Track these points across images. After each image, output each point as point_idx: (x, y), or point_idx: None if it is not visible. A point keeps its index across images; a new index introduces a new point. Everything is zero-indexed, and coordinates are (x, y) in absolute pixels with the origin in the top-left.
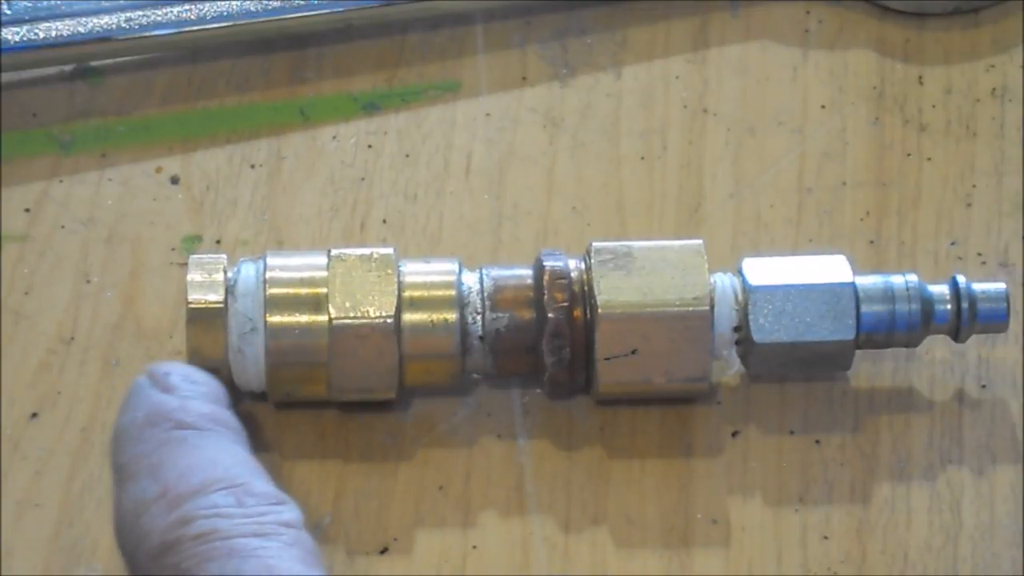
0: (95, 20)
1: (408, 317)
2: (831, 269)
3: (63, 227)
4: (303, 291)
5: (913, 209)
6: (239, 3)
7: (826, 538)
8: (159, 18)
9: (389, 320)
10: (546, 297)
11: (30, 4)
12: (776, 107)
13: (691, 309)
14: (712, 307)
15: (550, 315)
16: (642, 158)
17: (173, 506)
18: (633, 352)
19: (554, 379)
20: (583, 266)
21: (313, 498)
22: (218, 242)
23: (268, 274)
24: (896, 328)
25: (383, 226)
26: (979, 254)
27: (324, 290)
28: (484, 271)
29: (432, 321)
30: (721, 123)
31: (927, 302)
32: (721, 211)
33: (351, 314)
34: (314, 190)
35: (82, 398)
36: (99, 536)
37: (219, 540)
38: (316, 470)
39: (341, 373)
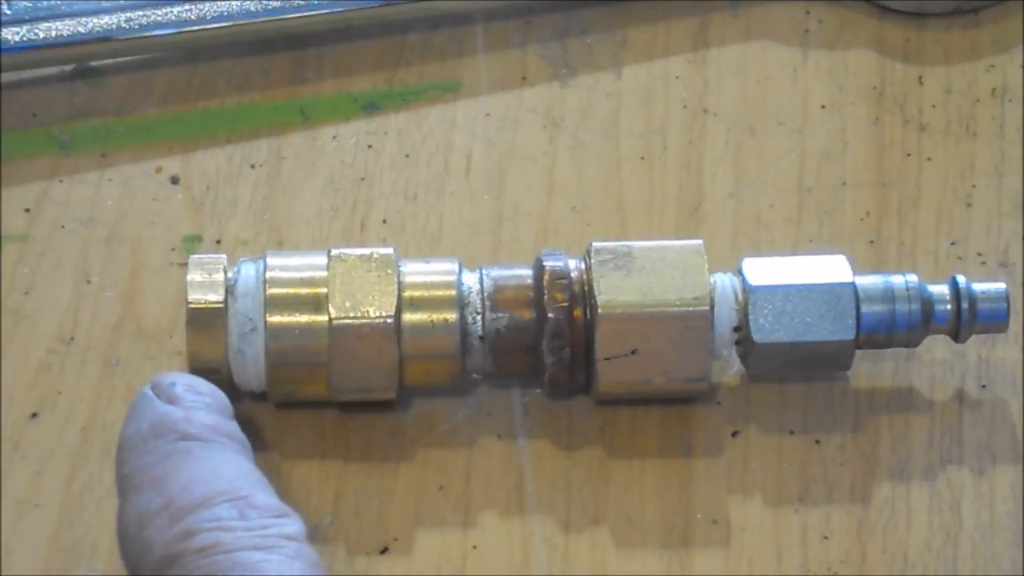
0: (95, 20)
1: (408, 317)
2: (831, 269)
3: (63, 227)
4: (303, 291)
5: (913, 209)
6: (239, 3)
7: (826, 538)
8: (159, 18)
9: (389, 320)
10: (546, 297)
11: (30, 4)
12: (776, 107)
13: (691, 309)
14: (712, 307)
15: (550, 315)
16: (642, 158)
17: (176, 519)
18: (633, 352)
19: (554, 379)
20: (583, 266)
21: (313, 498)
22: (218, 242)
23: (268, 274)
24: (896, 328)
25: (383, 226)
26: (979, 254)
27: (324, 290)
28: (484, 271)
29: (432, 321)
30: (721, 123)
31: (927, 302)
32: (721, 211)
33: (351, 314)
34: (314, 190)
35: (82, 398)
36: (99, 536)
37: (221, 553)
38: (316, 470)
39: (341, 373)
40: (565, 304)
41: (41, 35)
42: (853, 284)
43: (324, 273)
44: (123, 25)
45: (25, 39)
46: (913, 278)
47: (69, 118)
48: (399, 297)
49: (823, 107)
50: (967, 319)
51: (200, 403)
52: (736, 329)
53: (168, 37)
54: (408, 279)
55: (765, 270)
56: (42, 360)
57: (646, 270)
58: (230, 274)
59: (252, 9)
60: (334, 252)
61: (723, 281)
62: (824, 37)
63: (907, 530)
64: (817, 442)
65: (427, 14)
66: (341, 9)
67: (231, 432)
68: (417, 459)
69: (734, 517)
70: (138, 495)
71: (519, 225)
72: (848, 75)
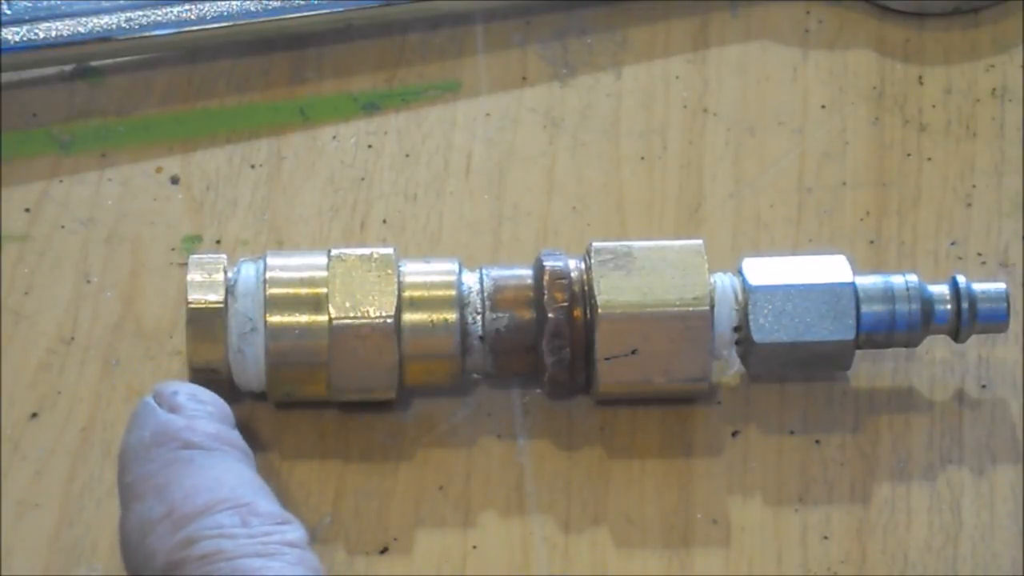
0: (95, 20)
1: (408, 317)
2: (831, 269)
3: (63, 227)
4: (303, 291)
5: (913, 209)
6: (239, 3)
7: (826, 538)
8: (159, 18)
9: (389, 320)
10: (546, 297)
11: (30, 4)
12: (776, 107)
13: (691, 309)
14: (712, 307)
15: (550, 315)
16: (642, 158)
17: (178, 526)
18: (633, 352)
19: (554, 379)
20: (583, 266)
21: (313, 498)
22: (218, 242)
23: (268, 274)
24: (896, 328)
25: (383, 226)
26: (979, 254)
27: (324, 290)
28: (484, 271)
29: (432, 321)
30: (721, 123)
31: (927, 302)
32: (721, 211)
33: (351, 314)
34: (314, 190)
35: (82, 398)
36: (99, 536)
37: (223, 561)
38: (316, 470)
39: (341, 373)
40: (565, 304)
41: (41, 35)
42: (853, 284)
43: (324, 273)
44: (123, 25)
45: (25, 39)
46: (913, 278)
47: (69, 118)
48: (399, 297)
49: (823, 107)
50: (967, 319)
51: (202, 412)
52: (736, 329)
53: (168, 37)
54: (408, 279)
55: (765, 270)
56: (42, 360)
57: (646, 270)
58: (230, 274)
59: (252, 9)
60: (334, 252)
61: (723, 281)
62: (824, 37)
63: (907, 530)
64: (817, 442)
65: (427, 14)
66: (341, 9)
67: (233, 440)
68: (417, 459)
69: (734, 517)
70: (140, 503)
71: (519, 225)
72: (848, 75)
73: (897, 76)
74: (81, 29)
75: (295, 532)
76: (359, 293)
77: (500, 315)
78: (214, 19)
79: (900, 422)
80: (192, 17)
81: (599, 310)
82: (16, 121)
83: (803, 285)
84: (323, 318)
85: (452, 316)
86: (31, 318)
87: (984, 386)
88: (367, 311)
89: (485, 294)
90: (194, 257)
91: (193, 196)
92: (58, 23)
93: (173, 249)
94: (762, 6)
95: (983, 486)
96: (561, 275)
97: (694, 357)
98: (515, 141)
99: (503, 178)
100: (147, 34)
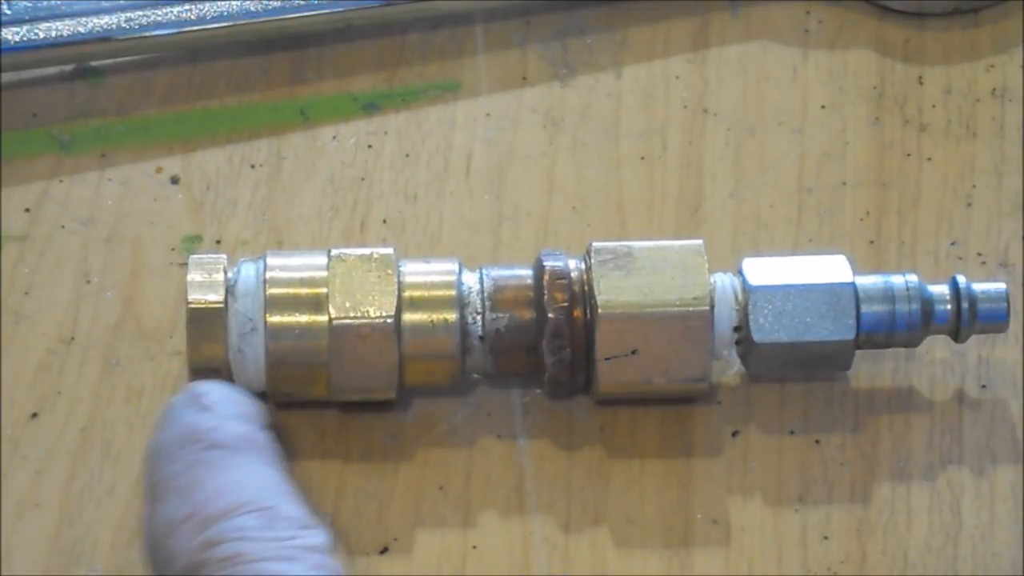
0: (95, 20)
1: (408, 317)
2: (831, 269)
3: (63, 227)
4: (303, 291)
5: (913, 209)
6: (239, 3)
7: (826, 538)
8: (159, 18)
9: (389, 320)
10: (546, 297)
11: (30, 4)
12: (776, 107)
13: (691, 309)
14: (712, 307)
15: (550, 315)
16: (642, 158)
17: (201, 528)
18: (633, 352)
19: (554, 379)
20: (583, 266)
21: (313, 498)
22: (218, 242)
23: (268, 274)
24: (896, 328)
25: (383, 226)
26: (979, 254)
27: (324, 290)
28: (484, 271)
29: (432, 321)
30: (721, 123)
31: (927, 302)
32: (721, 211)
33: (351, 314)
34: (314, 190)
35: (82, 398)
36: (99, 536)
37: (244, 563)
38: (316, 470)
39: (341, 373)
40: (565, 304)
41: (41, 35)
42: (853, 284)
43: (324, 273)
44: (123, 25)
45: (25, 39)
46: (913, 278)
47: (69, 118)
48: (399, 297)
49: (823, 107)
50: (967, 319)
51: (232, 412)
52: (736, 329)
53: (168, 37)
54: (408, 279)
55: (765, 270)
56: (42, 360)
57: (646, 270)
58: (230, 274)
59: (252, 9)
60: (334, 252)
61: (723, 281)
62: (824, 37)
63: (907, 530)
64: (817, 442)
65: (427, 14)
66: (341, 9)
67: (263, 442)
68: (417, 459)
69: (734, 517)
70: (165, 503)
71: (519, 225)
72: (848, 75)
73: (897, 76)
74: (81, 29)
75: (318, 537)
76: (359, 293)
77: (500, 315)
78: (214, 19)
79: (900, 422)
80: (192, 17)
81: (599, 310)
82: (16, 121)
83: (803, 285)
84: (323, 318)
85: (452, 316)
86: (31, 318)
87: (984, 386)
88: (367, 311)
89: (485, 294)
90: (194, 257)
91: (193, 196)
92: (58, 23)
93: (173, 249)
94: (762, 6)
95: (983, 486)
96: (561, 275)
97: (694, 357)
98: (515, 141)
99: (503, 178)
100: (147, 34)
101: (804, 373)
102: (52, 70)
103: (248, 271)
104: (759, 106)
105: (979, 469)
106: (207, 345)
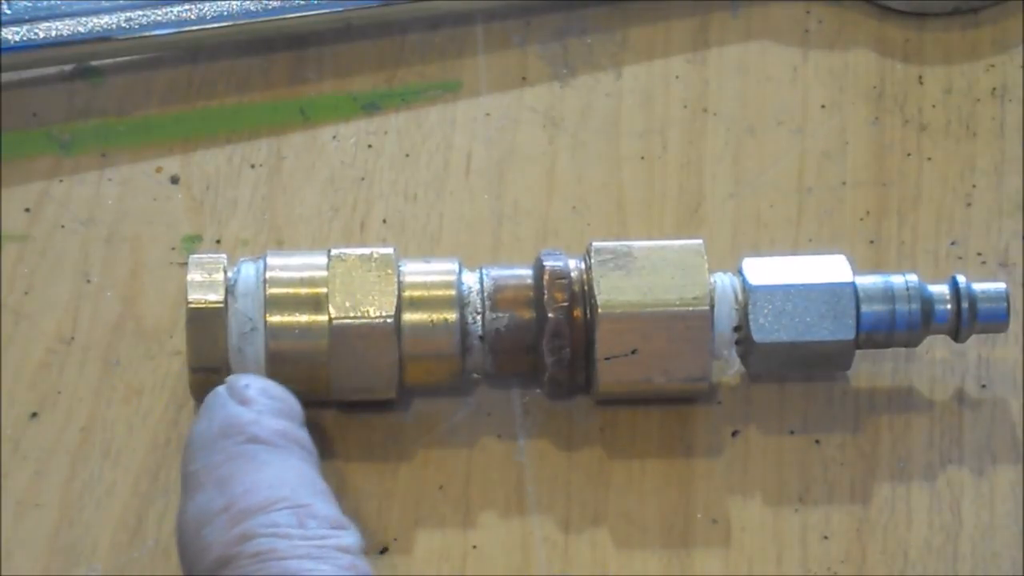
0: (95, 20)
1: (408, 317)
2: (831, 269)
3: (63, 227)
4: (303, 291)
5: (913, 209)
6: (239, 3)
7: (826, 538)
8: (159, 18)
9: (389, 320)
10: (546, 297)
11: (30, 4)
12: (776, 107)
13: (691, 309)
14: (712, 307)
15: (550, 315)
16: (642, 158)
17: (235, 521)
18: (633, 352)
19: (554, 379)
20: (583, 266)
21: None
22: (218, 242)
23: (268, 274)
24: (896, 328)
25: (383, 226)
26: (979, 254)
27: (324, 290)
28: (484, 271)
29: (432, 321)
30: (721, 123)
31: (927, 302)
32: (721, 211)
33: (351, 314)
34: (314, 190)
35: (82, 398)
36: (99, 536)
37: (274, 560)
38: None
39: (341, 373)
40: (565, 304)
41: (41, 35)
42: (853, 284)
43: (324, 273)
44: (123, 25)
45: (25, 39)
46: (913, 278)
47: (69, 118)
48: (399, 297)
49: (823, 107)
50: (967, 319)
51: (272, 407)
52: (736, 329)
53: (168, 37)
54: (408, 279)
55: (765, 270)
56: (42, 360)
57: (646, 270)
58: (230, 274)
59: (252, 9)
60: (334, 252)
61: (723, 281)
62: (824, 37)
63: (907, 530)
64: (817, 442)
65: (427, 14)
66: (341, 9)
67: (300, 439)
68: (417, 459)
69: (734, 517)
70: (201, 493)
71: (519, 225)
72: (848, 75)
73: (897, 76)
74: (81, 29)
75: (350, 538)
76: (359, 293)
77: (500, 315)
78: (214, 19)
79: (900, 422)
80: (192, 17)
81: (599, 310)
82: (16, 121)
83: (803, 285)
84: (323, 318)
85: (452, 316)
86: (31, 318)
87: (984, 386)
88: (367, 311)
89: (485, 294)
90: (194, 257)
91: (193, 196)
92: (58, 23)
93: (173, 249)
94: (762, 6)
95: (983, 486)
96: (561, 275)
97: (694, 357)
98: (515, 141)
99: (503, 178)
100: (147, 34)
101: (804, 373)
102: (52, 70)
103: (248, 271)
104: (759, 106)
105: (979, 469)
106: (207, 345)
